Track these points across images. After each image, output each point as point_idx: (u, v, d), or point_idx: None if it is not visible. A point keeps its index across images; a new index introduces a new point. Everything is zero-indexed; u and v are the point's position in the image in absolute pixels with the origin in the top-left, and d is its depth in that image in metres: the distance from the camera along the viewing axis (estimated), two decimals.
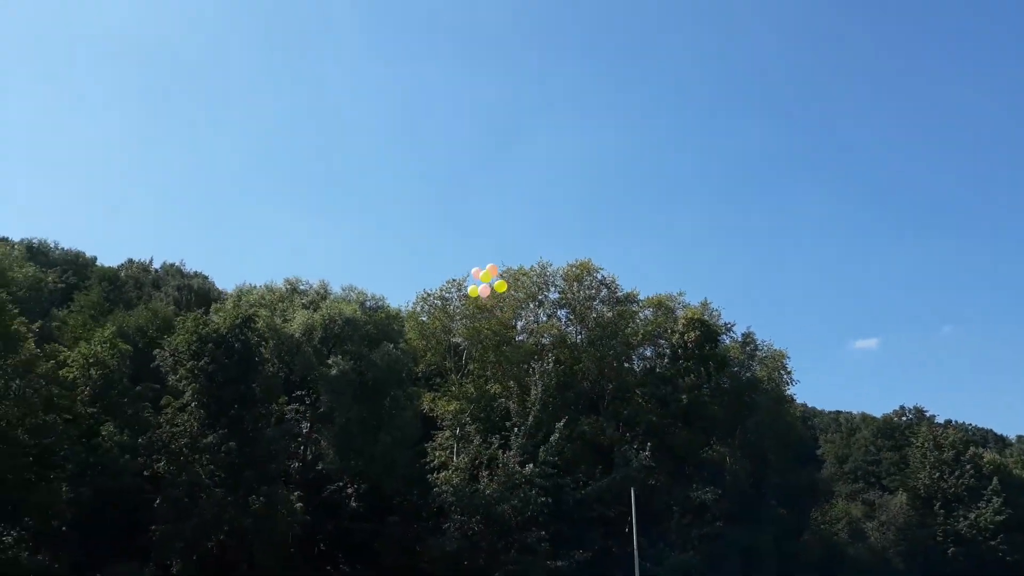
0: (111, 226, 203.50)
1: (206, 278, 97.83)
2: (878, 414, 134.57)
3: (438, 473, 64.77)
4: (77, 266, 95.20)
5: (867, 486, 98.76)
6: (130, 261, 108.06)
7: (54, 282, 67.35)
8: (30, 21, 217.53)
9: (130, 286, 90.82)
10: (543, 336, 73.35)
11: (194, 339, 46.50)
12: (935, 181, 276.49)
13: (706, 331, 72.92)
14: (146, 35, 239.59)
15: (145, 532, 43.88)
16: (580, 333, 75.42)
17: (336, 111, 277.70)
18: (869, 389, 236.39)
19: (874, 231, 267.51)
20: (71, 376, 44.11)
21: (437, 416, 68.62)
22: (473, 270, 52.97)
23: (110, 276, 77.36)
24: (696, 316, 73.54)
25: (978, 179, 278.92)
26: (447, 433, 68.81)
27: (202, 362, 45.58)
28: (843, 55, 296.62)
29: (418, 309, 72.59)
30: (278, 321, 55.73)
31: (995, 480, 77.43)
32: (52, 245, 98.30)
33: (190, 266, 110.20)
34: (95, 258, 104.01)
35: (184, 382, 46.51)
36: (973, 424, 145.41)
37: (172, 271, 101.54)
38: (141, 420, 46.52)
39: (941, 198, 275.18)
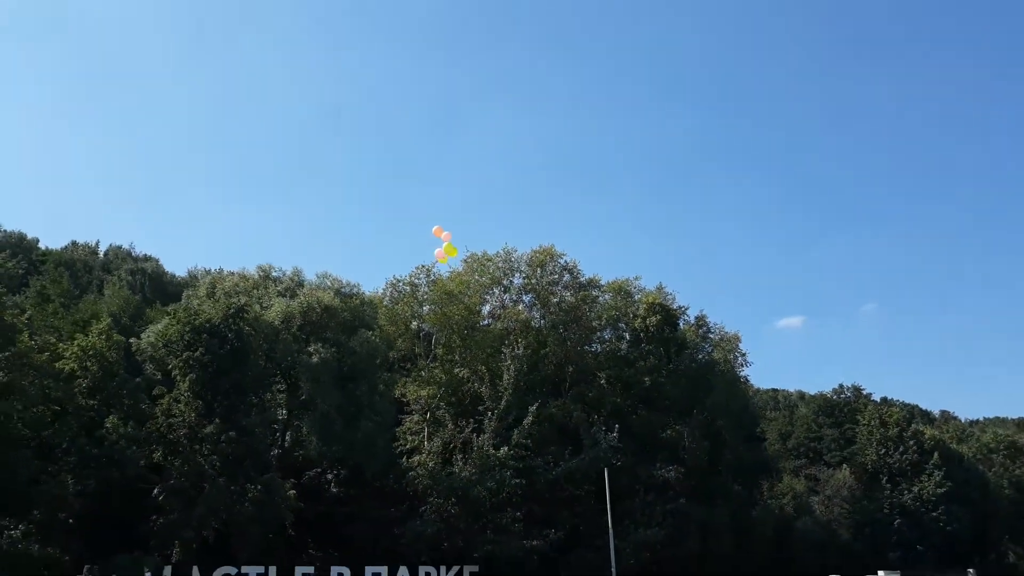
0: (44, 204, 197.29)
1: (158, 262, 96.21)
2: (804, 390, 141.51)
3: (410, 457, 65.87)
4: (21, 248, 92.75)
5: (809, 462, 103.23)
6: (74, 243, 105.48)
7: (14, 268, 65.48)
8: None
9: (81, 270, 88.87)
10: (508, 321, 74.54)
11: (187, 329, 46.40)
12: (852, 173, 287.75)
13: (666, 315, 75.23)
14: (86, 8, 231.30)
15: (147, 522, 43.94)
16: (544, 318, 76.85)
17: (277, 95, 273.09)
18: (795, 366, 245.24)
19: (797, 216, 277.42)
20: (68, 368, 43.63)
21: (408, 401, 69.51)
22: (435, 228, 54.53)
23: (66, 261, 75.35)
24: (656, 301, 75.72)
25: (893, 170, 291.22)
26: (416, 418, 69.79)
27: (197, 352, 45.59)
28: (770, 54, 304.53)
29: (388, 295, 73.11)
30: (257, 309, 55.67)
31: (935, 455, 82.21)
32: None
33: (136, 248, 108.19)
34: (37, 240, 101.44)
35: (178, 372, 46.36)
36: (900, 400, 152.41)
37: (121, 254, 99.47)
38: (139, 411, 46.24)
39: (860, 188, 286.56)
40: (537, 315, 77.37)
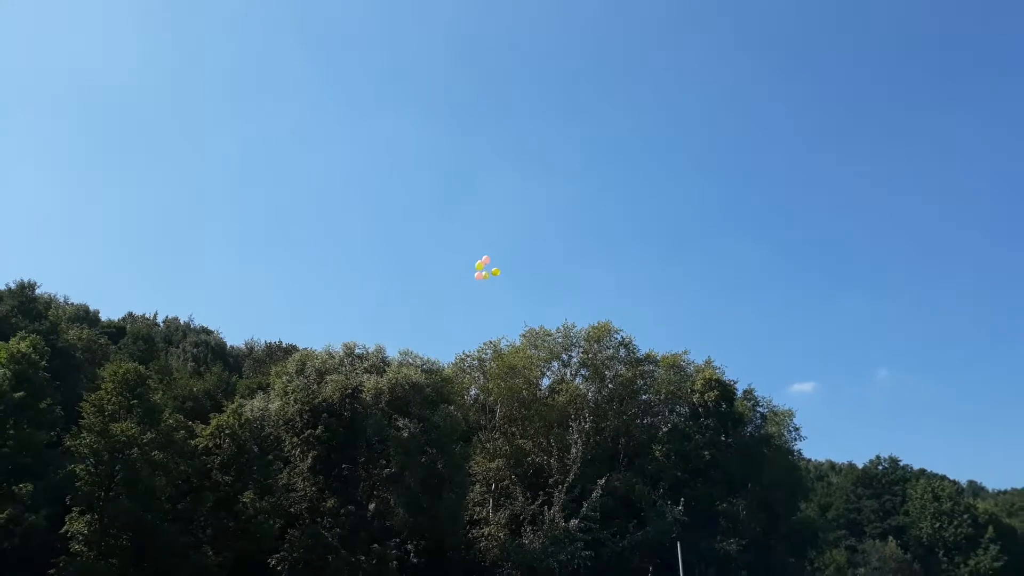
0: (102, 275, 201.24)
1: (218, 334, 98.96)
2: (827, 458, 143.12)
3: (478, 528, 67.62)
4: (88, 321, 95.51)
5: (849, 533, 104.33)
6: (132, 315, 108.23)
7: (105, 343, 68.30)
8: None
9: (151, 340, 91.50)
10: (568, 395, 76.75)
11: (306, 409, 48.97)
12: (857, 237, 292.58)
13: (723, 391, 77.69)
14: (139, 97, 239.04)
15: None
16: (600, 392, 79.08)
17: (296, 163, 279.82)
18: (809, 432, 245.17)
19: (809, 282, 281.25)
20: (203, 445, 46.02)
21: (475, 473, 71.42)
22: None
23: (144, 335, 78.20)
24: (713, 376, 78.16)
25: (903, 235, 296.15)
26: (480, 488, 71.64)
27: (318, 430, 48.09)
28: (777, 121, 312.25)
29: (456, 369, 75.67)
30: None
31: (990, 528, 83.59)
32: (62, 300, 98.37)
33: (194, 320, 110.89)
34: (98, 311, 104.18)
35: (298, 450, 48.71)
36: (925, 468, 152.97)
37: (181, 327, 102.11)
38: (265, 486, 48.36)
39: (873, 253, 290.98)
40: (593, 388, 79.67)
